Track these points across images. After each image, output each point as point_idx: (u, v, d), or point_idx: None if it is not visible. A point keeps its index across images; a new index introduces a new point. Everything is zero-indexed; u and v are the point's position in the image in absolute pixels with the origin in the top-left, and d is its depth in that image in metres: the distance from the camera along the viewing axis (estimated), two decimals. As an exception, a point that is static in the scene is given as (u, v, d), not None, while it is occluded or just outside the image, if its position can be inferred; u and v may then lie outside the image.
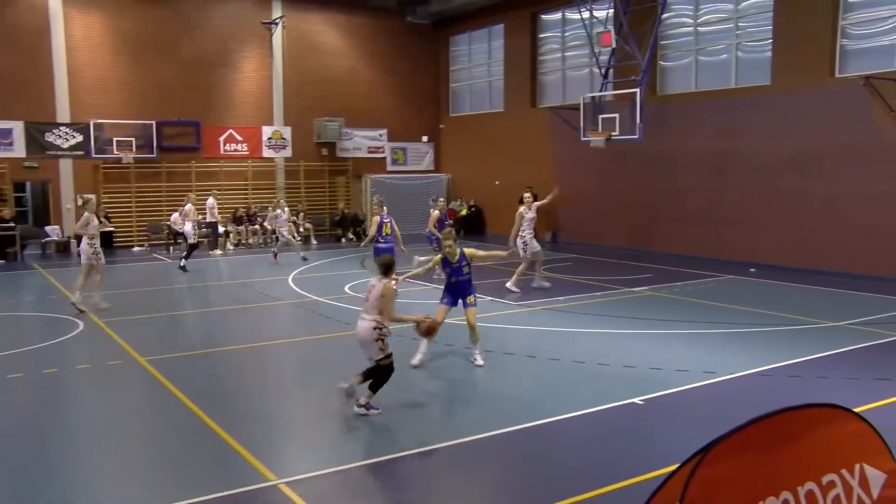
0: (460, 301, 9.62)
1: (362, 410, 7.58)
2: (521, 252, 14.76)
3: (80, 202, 16.34)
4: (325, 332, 11.74)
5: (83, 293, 13.32)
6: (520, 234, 14.74)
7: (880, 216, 16.03)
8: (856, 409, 4.38)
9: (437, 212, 17.17)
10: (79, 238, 14.07)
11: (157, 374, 9.23)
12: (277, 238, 20.54)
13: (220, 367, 9.90)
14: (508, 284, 14.74)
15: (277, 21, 25.46)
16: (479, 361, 9.53)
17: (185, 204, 19.46)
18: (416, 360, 9.33)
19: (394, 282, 7.76)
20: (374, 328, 7.51)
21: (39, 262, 20.49)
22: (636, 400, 8.02)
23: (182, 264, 18.41)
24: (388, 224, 14.85)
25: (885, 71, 16.04)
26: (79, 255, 13.85)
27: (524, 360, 9.85)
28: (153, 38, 23.63)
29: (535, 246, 14.98)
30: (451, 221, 18.31)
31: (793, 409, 3.89)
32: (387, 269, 7.72)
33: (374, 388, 7.65)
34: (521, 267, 15.02)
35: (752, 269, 17.28)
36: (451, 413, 7.91)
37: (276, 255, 19.90)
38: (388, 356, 7.67)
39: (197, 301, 15.34)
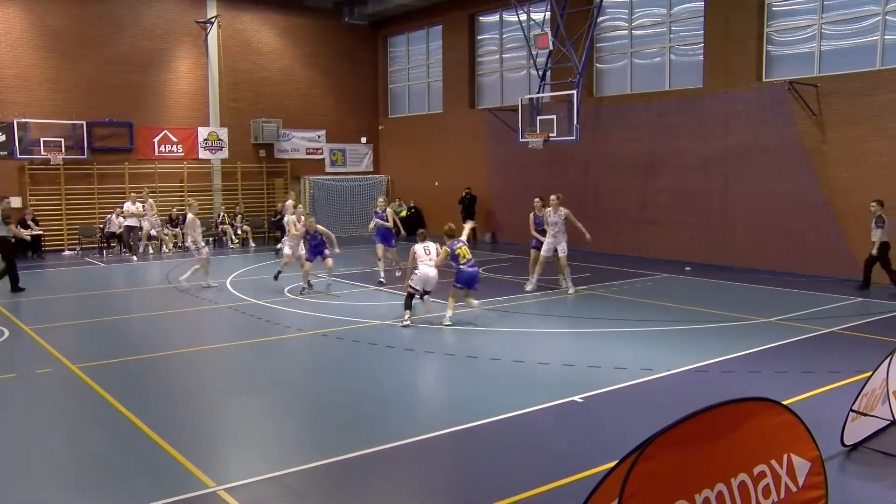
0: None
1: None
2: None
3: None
4: (263, 336, 11.58)
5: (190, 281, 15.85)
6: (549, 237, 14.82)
7: (804, 215, 16.63)
8: (784, 402, 4.55)
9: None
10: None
11: (89, 382, 8.96)
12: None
13: (156, 373, 9.67)
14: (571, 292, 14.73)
15: (213, 20, 25.01)
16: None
17: (287, 201, 19.48)
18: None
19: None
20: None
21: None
22: (576, 398, 8.14)
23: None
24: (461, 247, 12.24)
25: (806, 77, 16.68)
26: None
27: (464, 360, 9.90)
28: (81, 35, 22.95)
29: (549, 252, 14.85)
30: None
31: (726, 404, 4.02)
32: (426, 236, 12.44)
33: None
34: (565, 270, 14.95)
35: (687, 268, 17.72)
36: (390, 415, 7.89)
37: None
38: None
39: (132, 305, 14.95)
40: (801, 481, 4.24)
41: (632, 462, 3.58)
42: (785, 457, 4.17)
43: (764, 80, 17.53)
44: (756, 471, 3.97)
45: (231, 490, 5.90)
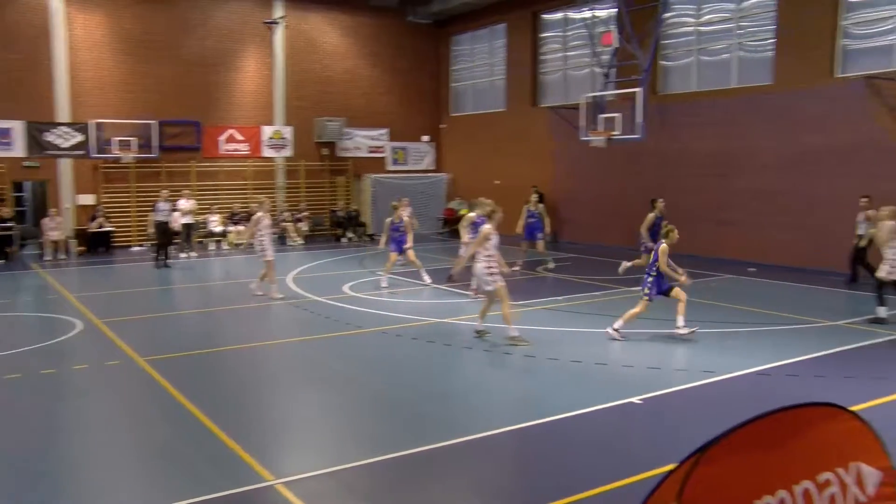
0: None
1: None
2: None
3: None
4: (323, 332, 11.72)
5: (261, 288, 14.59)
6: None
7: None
8: (852, 408, 4.38)
9: (652, 214, 15.97)
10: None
11: (155, 375, 9.22)
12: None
13: (218, 368, 9.89)
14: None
15: (279, 20, 25.45)
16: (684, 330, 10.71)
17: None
18: None
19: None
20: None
21: (37, 261, 20.47)
22: (634, 399, 8.01)
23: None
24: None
25: (886, 71, 16.02)
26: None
27: (522, 359, 9.83)
28: (154, 37, 23.64)
29: None
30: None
31: (790, 409, 3.88)
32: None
33: None
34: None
35: (751, 269, 17.26)
36: (450, 412, 7.89)
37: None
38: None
39: (195, 301, 15.32)
40: (870, 491, 4.07)
41: (692, 464, 3.49)
42: (853, 465, 4.00)
43: (838, 75, 16.91)
44: (821, 478, 3.82)
45: (289, 484, 5.98)
